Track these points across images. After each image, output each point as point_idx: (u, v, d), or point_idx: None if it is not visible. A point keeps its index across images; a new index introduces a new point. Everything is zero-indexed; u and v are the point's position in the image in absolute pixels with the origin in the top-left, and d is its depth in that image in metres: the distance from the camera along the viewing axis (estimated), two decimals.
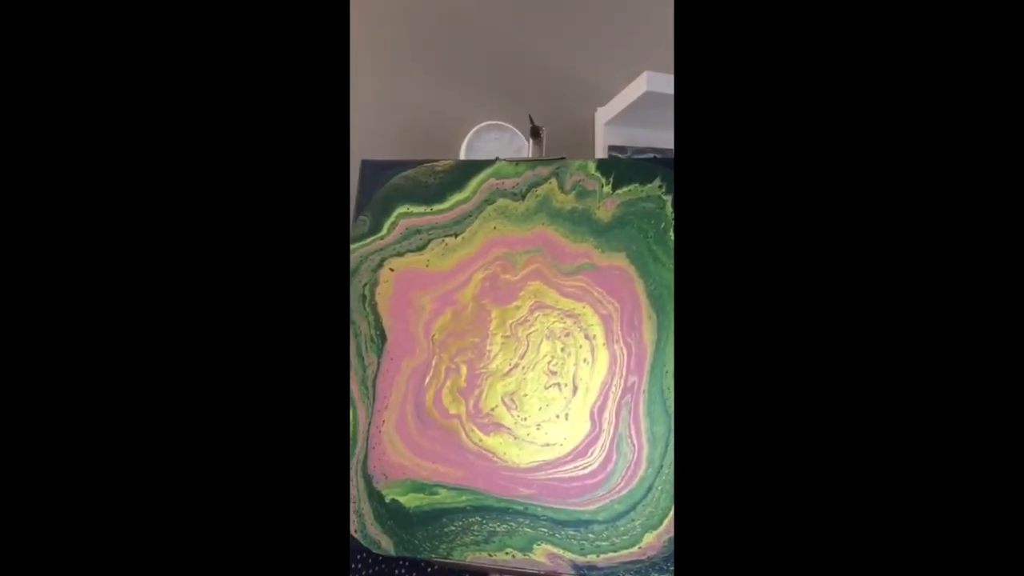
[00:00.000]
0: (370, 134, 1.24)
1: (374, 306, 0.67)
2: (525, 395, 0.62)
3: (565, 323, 0.63)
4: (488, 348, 0.64)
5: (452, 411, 0.63)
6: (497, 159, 0.69)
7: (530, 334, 0.64)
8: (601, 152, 1.34)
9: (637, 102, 1.20)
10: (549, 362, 0.63)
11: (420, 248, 0.68)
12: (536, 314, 0.64)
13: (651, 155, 1.32)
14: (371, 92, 1.26)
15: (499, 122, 1.27)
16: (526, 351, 0.63)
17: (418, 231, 0.68)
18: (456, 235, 0.68)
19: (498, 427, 0.62)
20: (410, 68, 1.29)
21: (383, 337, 0.66)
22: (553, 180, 0.67)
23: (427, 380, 0.64)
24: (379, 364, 0.65)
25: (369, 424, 0.63)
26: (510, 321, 0.64)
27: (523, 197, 0.67)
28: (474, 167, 0.70)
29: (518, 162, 0.69)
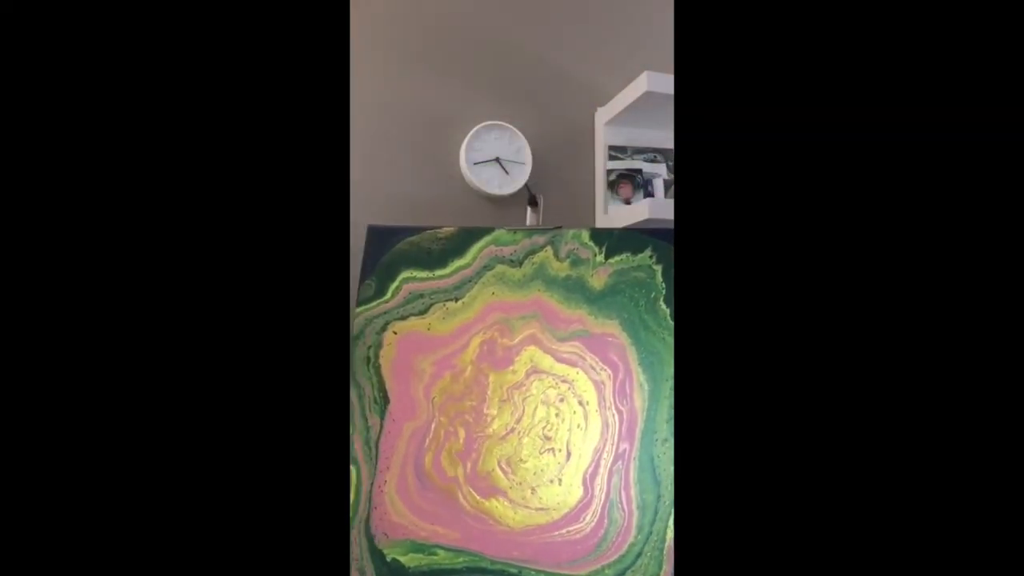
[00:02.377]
0: (370, 134, 1.24)
1: (378, 368, 0.70)
2: (521, 460, 0.65)
3: (560, 388, 0.66)
4: (486, 412, 0.66)
5: (450, 473, 0.65)
6: (495, 228, 0.72)
7: (526, 399, 0.66)
8: (601, 152, 1.34)
9: (637, 102, 1.21)
10: (544, 427, 0.65)
11: (422, 312, 0.71)
12: (532, 379, 0.67)
13: (652, 155, 1.35)
14: (371, 92, 1.26)
15: (499, 122, 1.28)
16: (522, 416, 0.66)
17: (421, 295, 0.71)
18: (457, 299, 0.70)
19: (495, 490, 0.64)
20: (410, 68, 1.29)
21: (386, 399, 0.69)
22: (549, 248, 0.70)
23: (427, 442, 0.67)
24: (382, 426, 0.68)
25: (372, 484, 0.66)
26: (507, 385, 0.67)
27: (520, 264, 0.70)
28: (475, 234, 0.73)
29: (516, 230, 0.72)
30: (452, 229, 0.73)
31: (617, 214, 1.25)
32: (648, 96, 1.19)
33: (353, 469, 0.67)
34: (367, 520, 0.65)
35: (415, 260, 0.73)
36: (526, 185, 1.07)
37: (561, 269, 0.69)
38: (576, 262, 0.69)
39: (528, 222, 0.99)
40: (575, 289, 0.68)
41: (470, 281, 0.71)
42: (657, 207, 1.10)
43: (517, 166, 1.30)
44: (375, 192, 1.24)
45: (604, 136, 1.38)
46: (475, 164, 1.28)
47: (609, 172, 1.38)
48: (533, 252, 0.70)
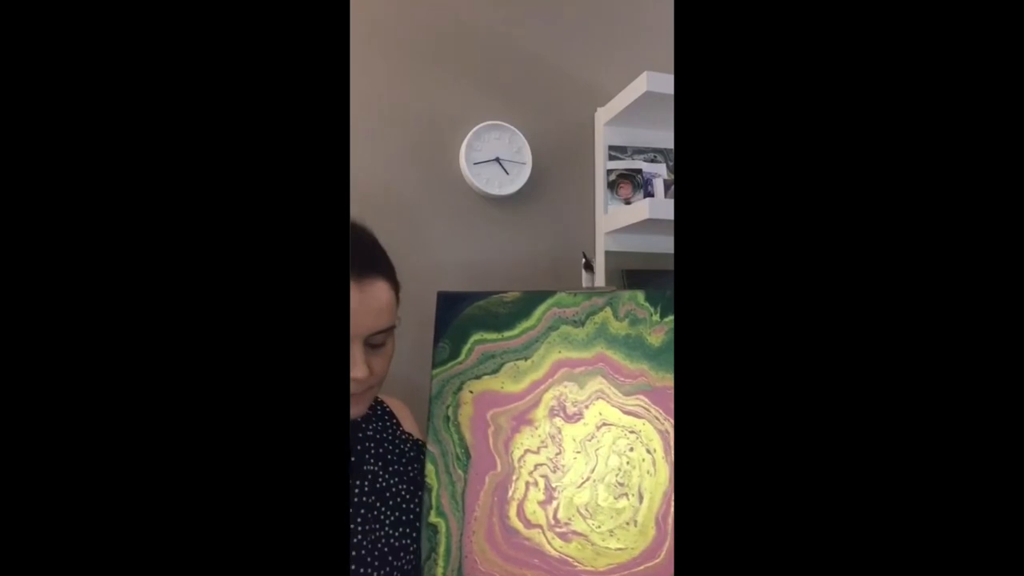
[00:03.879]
0: (370, 134, 1.26)
1: (457, 426, 0.76)
2: (598, 505, 0.71)
3: (628, 439, 0.73)
4: (563, 463, 0.73)
5: (534, 522, 0.72)
6: (557, 292, 0.79)
7: (598, 449, 0.73)
8: (601, 152, 1.37)
9: (637, 102, 1.23)
10: (617, 475, 0.72)
11: (495, 371, 0.77)
12: (602, 430, 0.73)
13: (652, 155, 1.38)
14: (371, 92, 1.27)
15: (499, 122, 1.30)
16: (596, 465, 0.73)
17: (492, 356, 0.78)
18: (526, 359, 0.77)
19: (576, 535, 0.71)
20: (410, 68, 1.30)
21: (467, 454, 0.75)
22: (608, 309, 0.77)
23: (510, 493, 0.73)
24: (466, 480, 0.74)
25: (461, 535, 0.73)
26: (580, 438, 0.74)
27: (583, 324, 0.77)
28: (538, 298, 0.80)
29: (576, 293, 0.79)
30: (517, 294, 0.80)
31: (617, 214, 1.29)
32: (648, 96, 1.20)
33: (442, 521, 0.73)
34: (459, 569, 0.71)
35: (484, 323, 0.79)
36: (582, 253, 1.12)
37: (621, 328, 0.76)
38: (634, 321, 0.76)
39: (584, 284, 1.06)
40: (635, 346, 0.75)
41: (537, 341, 0.78)
42: (657, 207, 1.14)
43: (517, 166, 1.32)
44: (375, 192, 1.26)
45: (604, 136, 1.39)
46: (475, 164, 1.30)
47: (609, 172, 1.39)
48: (594, 313, 0.77)
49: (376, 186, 1.27)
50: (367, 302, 0.70)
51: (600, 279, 1.33)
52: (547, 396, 0.75)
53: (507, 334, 0.79)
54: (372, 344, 0.73)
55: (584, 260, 1.15)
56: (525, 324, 0.79)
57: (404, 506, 0.78)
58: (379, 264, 0.75)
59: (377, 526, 0.75)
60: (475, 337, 0.79)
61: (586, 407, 0.74)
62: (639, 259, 1.35)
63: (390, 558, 0.74)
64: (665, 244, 1.37)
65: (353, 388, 0.72)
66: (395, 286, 0.77)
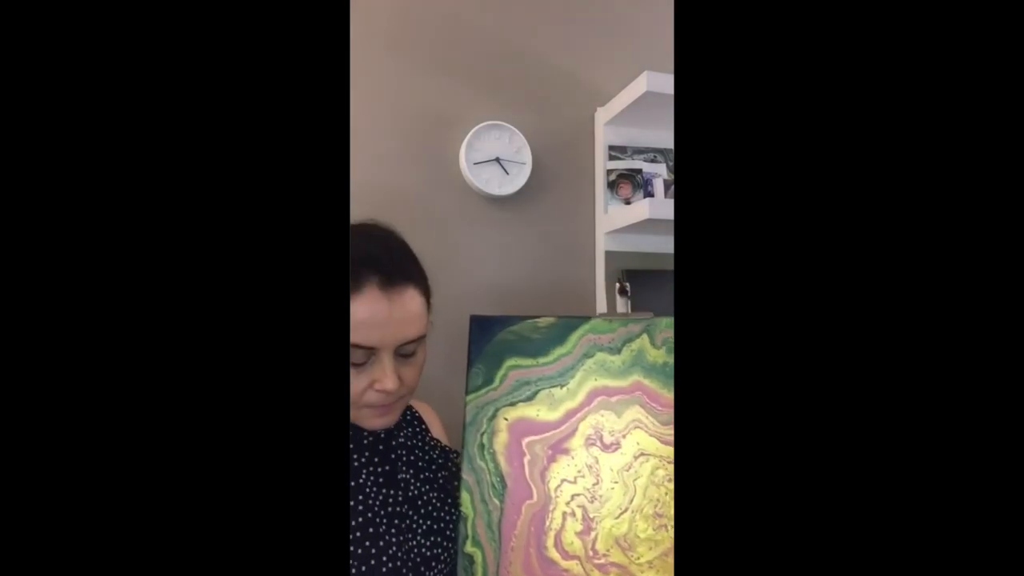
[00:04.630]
0: (370, 134, 1.25)
1: (493, 454, 0.75)
2: (637, 536, 0.72)
3: (667, 469, 0.73)
4: (600, 493, 0.73)
5: (572, 552, 0.72)
6: (592, 317, 0.78)
7: (637, 480, 0.73)
8: (601, 152, 1.37)
9: (637, 102, 1.24)
10: (656, 506, 0.72)
11: (530, 398, 0.76)
12: (640, 460, 0.74)
13: (652, 155, 1.39)
14: (371, 92, 1.25)
15: (499, 122, 1.29)
16: (634, 496, 0.73)
17: (527, 382, 0.77)
18: (561, 386, 0.76)
19: (615, 566, 0.71)
20: (410, 68, 1.29)
21: (503, 483, 0.74)
22: (644, 336, 0.77)
23: (547, 523, 0.73)
24: (502, 509, 0.73)
25: (498, 565, 0.72)
26: (617, 468, 0.74)
27: (619, 351, 0.77)
28: (572, 323, 0.78)
29: (612, 320, 0.78)
30: (551, 319, 0.79)
31: (617, 214, 1.30)
32: (648, 96, 1.20)
33: (478, 551, 0.73)
34: None
35: (518, 349, 0.78)
36: (617, 278, 1.11)
37: (658, 356, 0.76)
38: (671, 349, 0.76)
39: (619, 309, 1.05)
40: (673, 375, 0.75)
41: (572, 368, 0.77)
42: (657, 207, 1.15)
43: (517, 166, 1.32)
44: (375, 192, 1.25)
45: (604, 136, 1.38)
46: (475, 164, 1.29)
47: (609, 172, 1.39)
48: (630, 340, 0.77)
49: (376, 186, 1.24)
50: (397, 311, 0.68)
51: (600, 279, 1.33)
52: (583, 425, 0.75)
53: (541, 360, 0.77)
54: (403, 354, 0.70)
55: (619, 284, 1.14)
56: (560, 350, 0.78)
57: (435, 515, 0.77)
58: (410, 270, 0.72)
59: (410, 536, 0.73)
60: (509, 363, 0.78)
61: (623, 436, 0.74)
62: (639, 259, 1.36)
63: (423, 569, 0.73)
64: (665, 244, 1.38)
65: (383, 400, 0.70)
66: (426, 293, 0.74)
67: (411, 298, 0.69)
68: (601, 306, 1.30)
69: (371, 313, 0.65)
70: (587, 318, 0.79)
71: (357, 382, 0.68)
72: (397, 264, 0.70)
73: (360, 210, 1.07)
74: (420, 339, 0.71)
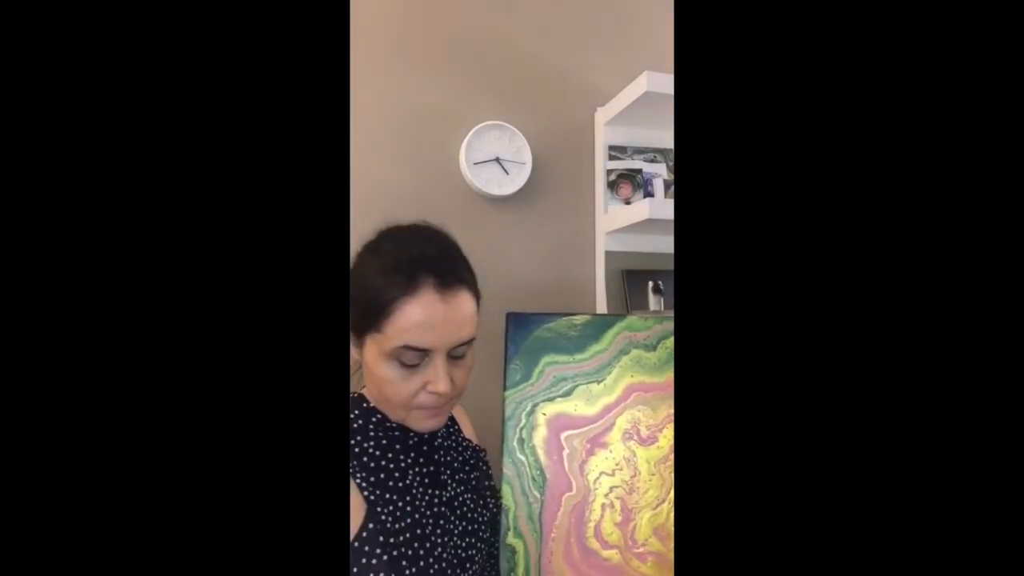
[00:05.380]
0: (370, 134, 1.25)
1: (532, 448, 0.76)
2: (673, 526, 0.75)
3: None
4: (638, 485, 0.76)
5: (611, 542, 0.74)
6: (628, 314, 0.81)
7: (672, 472, 0.76)
8: (601, 152, 1.38)
9: (637, 102, 1.25)
10: None
11: (567, 394, 0.78)
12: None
13: (652, 155, 1.40)
14: (371, 92, 1.25)
15: (499, 122, 1.30)
16: (671, 487, 0.76)
17: (564, 378, 0.79)
18: (599, 382, 0.78)
19: (653, 555, 0.74)
20: (410, 68, 1.29)
21: (543, 476, 0.76)
22: None
23: (587, 514, 0.75)
24: (543, 501, 0.75)
25: (540, 556, 0.74)
26: (654, 460, 0.76)
27: (655, 348, 0.79)
28: (608, 321, 0.81)
29: (647, 317, 0.80)
30: (587, 316, 0.81)
31: (617, 214, 1.32)
32: (648, 96, 1.21)
33: (520, 542, 0.74)
34: None
35: (555, 346, 0.80)
36: (651, 278, 1.13)
37: None
38: None
39: (652, 307, 1.07)
40: None
41: (609, 365, 0.79)
42: (657, 207, 1.16)
43: (517, 166, 1.32)
44: (375, 192, 1.24)
45: (604, 136, 1.40)
46: (475, 164, 1.29)
47: (609, 172, 1.40)
48: (665, 337, 0.80)
49: (376, 186, 1.23)
50: (452, 313, 0.68)
51: (600, 279, 1.36)
52: (621, 420, 0.77)
53: (578, 357, 0.79)
54: (454, 356, 0.71)
55: (653, 284, 1.17)
56: (596, 347, 0.80)
57: (470, 515, 0.78)
58: (463, 273, 0.72)
59: (447, 538, 0.74)
60: (546, 359, 0.79)
61: (659, 431, 0.77)
62: (639, 259, 1.38)
63: (459, 570, 0.74)
64: (665, 244, 1.40)
65: (435, 402, 0.70)
66: (477, 295, 0.75)
67: (464, 300, 0.69)
68: (601, 306, 1.32)
69: (427, 315, 0.65)
70: (622, 316, 0.81)
71: (410, 384, 0.68)
72: (452, 266, 0.70)
73: (360, 210, 1.07)
74: (471, 341, 0.72)
